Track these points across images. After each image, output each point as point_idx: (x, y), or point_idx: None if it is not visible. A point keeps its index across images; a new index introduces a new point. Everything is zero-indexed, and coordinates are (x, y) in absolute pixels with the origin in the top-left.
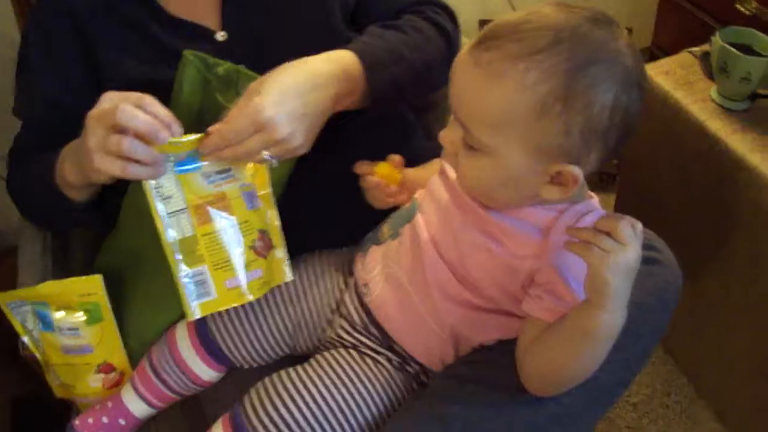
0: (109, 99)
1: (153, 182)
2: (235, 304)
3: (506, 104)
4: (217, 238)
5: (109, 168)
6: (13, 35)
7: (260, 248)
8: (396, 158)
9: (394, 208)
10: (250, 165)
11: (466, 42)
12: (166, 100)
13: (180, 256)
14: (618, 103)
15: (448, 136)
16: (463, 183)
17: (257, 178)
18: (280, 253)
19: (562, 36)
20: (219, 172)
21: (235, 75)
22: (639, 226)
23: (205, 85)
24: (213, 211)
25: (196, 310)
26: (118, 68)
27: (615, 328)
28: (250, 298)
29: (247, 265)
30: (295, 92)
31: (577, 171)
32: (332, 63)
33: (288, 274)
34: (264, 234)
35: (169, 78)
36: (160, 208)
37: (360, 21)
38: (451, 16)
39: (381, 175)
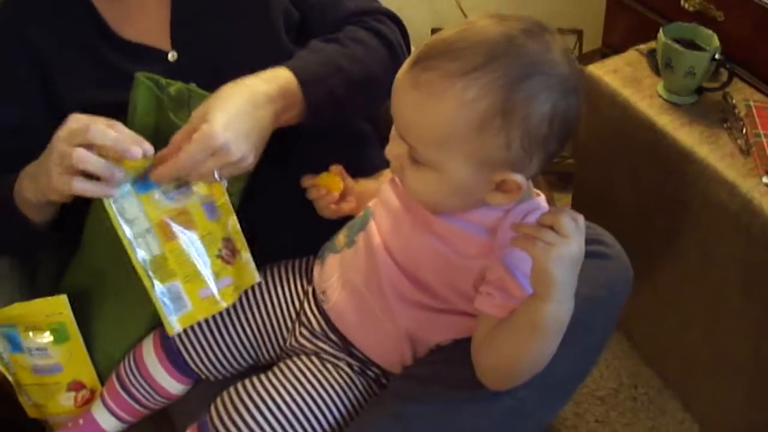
0: (77, 120)
1: (115, 206)
2: (212, 313)
3: (447, 122)
4: (185, 252)
5: (66, 185)
6: None
7: (226, 256)
8: (335, 167)
9: (350, 217)
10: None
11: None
12: (122, 122)
13: (152, 274)
14: (556, 111)
15: (393, 150)
16: (410, 195)
17: (213, 189)
18: (245, 256)
19: (497, 52)
20: (177, 188)
21: (186, 94)
22: (581, 219)
23: (158, 105)
24: (176, 227)
25: (175, 324)
26: (75, 93)
27: (562, 319)
28: (224, 305)
29: (216, 274)
30: (240, 114)
31: (519, 179)
32: (269, 83)
33: (256, 276)
34: (228, 241)
35: (124, 100)
36: (126, 232)
37: (305, 35)
38: (398, 24)
39: (323, 185)
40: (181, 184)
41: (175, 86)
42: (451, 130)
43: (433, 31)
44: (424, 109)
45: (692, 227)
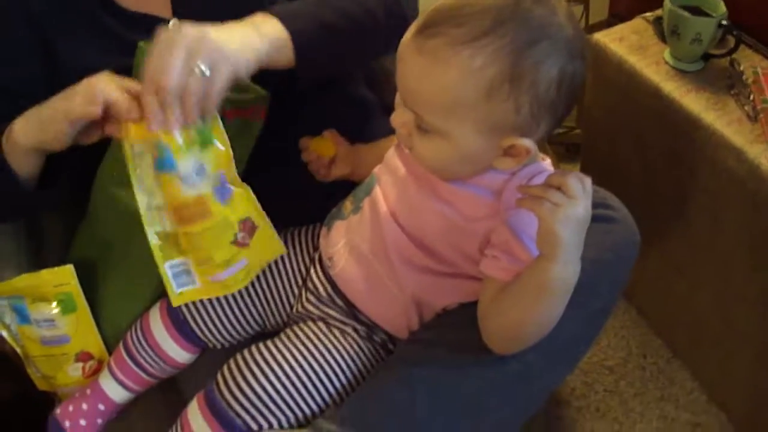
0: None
1: (135, 174)
2: (219, 294)
3: (454, 90)
4: (198, 239)
5: (93, 104)
6: None
7: (242, 239)
8: (330, 132)
9: (354, 184)
10: (214, 150)
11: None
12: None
13: (163, 246)
14: (563, 76)
15: (399, 118)
16: (421, 162)
17: (222, 162)
18: (268, 230)
19: (503, 17)
20: (196, 172)
21: None
22: (587, 180)
23: None
24: (192, 216)
25: (179, 298)
26: (75, 59)
27: (569, 281)
28: (233, 290)
29: (228, 261)
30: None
31: (528, 143)
32: (246, 23)
33: (281, 247)
34: (246, 221)
35: (126, 68)
36: (141, 199)
37: None
38: None
39: (314, 149)
40: (198, 166)
41: None
42: (458, 97)
43: None
44: (430, 77)
45: (699, 194)
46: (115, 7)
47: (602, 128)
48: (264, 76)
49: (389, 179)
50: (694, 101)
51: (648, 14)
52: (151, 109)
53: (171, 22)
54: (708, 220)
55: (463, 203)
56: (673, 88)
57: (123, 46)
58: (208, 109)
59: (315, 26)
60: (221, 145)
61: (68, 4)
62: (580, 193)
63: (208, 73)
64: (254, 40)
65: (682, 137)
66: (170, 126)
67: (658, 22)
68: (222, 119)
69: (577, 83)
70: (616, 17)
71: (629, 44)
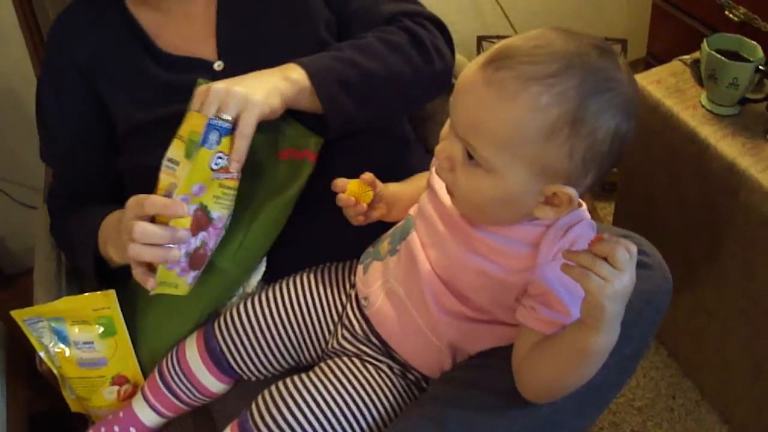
0: (134, 198)
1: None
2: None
3: (516, 125)
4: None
5: (138, 256)
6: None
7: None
8: (367, 176)
9: (393, 223)
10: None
11: (462, 59)
12: (170, 135)
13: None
14: (618, 131)
15: (446, 150)
16: (458, 199)
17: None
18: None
19: (573, 63)
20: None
21: None
22: (634, 249)
23: None
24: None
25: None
26: (123, 110)
27: (609, 347)
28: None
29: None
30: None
31: (573, 192)
32: (275, 72)
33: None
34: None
35: (171, 113)
36: None
37: (345, 38)
38: (439, 28)
39: (351, 193)
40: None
41: None
42: (518, 133)
43: (480, 38)
44: (494, 108)
45: (733, 238)
46: (159, 53)
47: (638, 169)
48: (315, 116)
49: (425, 227)
50: (729, 146)
51: (686, 57)
52: None
53: (198, 81)
54: (740, 264)
55: (498, 257)
56: (709, 132)
57: (166, 92)
58: (240, 150)
59: (342, 72)
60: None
61: (112, 56)
62: (627, 264)
63: (230, 121)
64: (280, 85)
65: (717, 181)
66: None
67: (695, 65)
68: (276, 158)
69: (626, 142)
70: (653, 57)
71: (667, 87)
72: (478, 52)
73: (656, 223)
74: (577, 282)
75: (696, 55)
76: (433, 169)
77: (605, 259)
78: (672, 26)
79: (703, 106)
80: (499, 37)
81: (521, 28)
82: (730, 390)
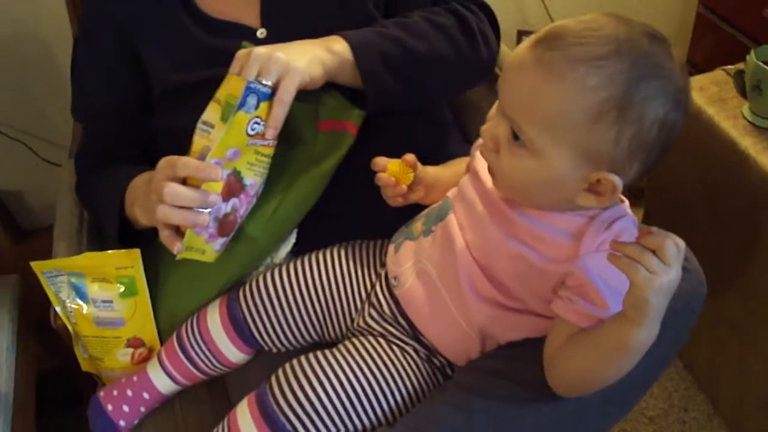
0: (165, 160)
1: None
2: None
3: (564, 105)
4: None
5: (167, 218)
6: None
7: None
8: (409, 158)
9: (428, 205)
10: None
11: (506, 48)
12: (208, 99)
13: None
14: (666, 120)
15: (492, 131)
16: (500, 180)
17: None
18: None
19: (623, 47)
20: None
21: None
22: (682, 245)
23: None
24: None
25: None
26: (160, 68)
27: (649, 342)
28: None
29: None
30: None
31: (617, 180)
32: (319, 43)
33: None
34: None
35: (210, 77)
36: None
37: (391, 16)
38: (488, 14)
39: (392, 173)
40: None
41: None
42: (565, 113)
43: (519, 32)
44: (542, 87)
45: (765, 252)
46: (202, 15)
47: (673, 175)
48: (358, 91)
49: (464, 209)
50: None
51: (729, 66)
52: None
53: (243, 44)
54: None
55: (539, 244)
56: (749, 143)
57: (206, 55)
58: (277, 117)
59: (385, 48)
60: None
61: (155, 14)
62: (675, 259)
63: (270, 86)
64: (323, 56)
65: (754, 194)
66: None
67: (739, 75)
68: (316, 128)
69: (674, 134)
70: (692, 65)
71: (709, 95)
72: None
73: (687, 230)
74: (624, 273)
75: (740, 65)
76: (475, 153)
77: (653, 252)
78: (714, 35)
79: (744, 117)
80: None
81: None
82: (745, 407)
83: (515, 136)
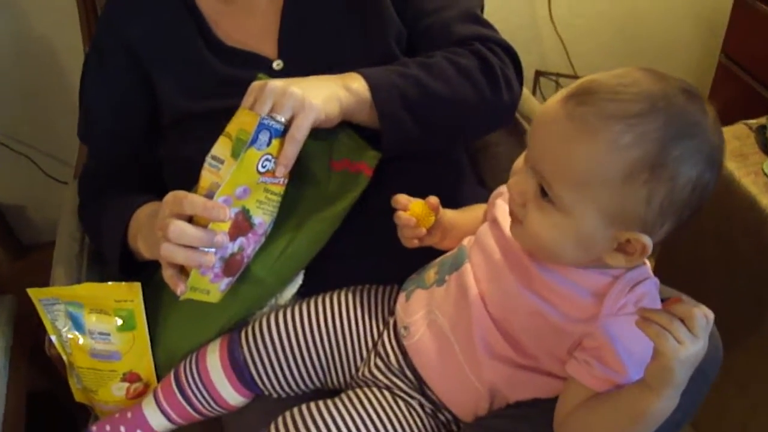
0: (172, 194)
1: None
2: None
3: (595, 163)
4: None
5: (171, 256)
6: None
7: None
8: (433, 201)
9: (441, 252)
10: None
11: (526, 92)
12: (219, 129)
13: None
14: (701, 179)
15: (519, 185)
16: (524, 236)
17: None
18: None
19: (658, 105)
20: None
21: None
22: (711, 316)
23: None
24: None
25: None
26: (172, 99)
27: (666, 414)
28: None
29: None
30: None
31: (648, 241)
32: (336, 79)
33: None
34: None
35: (222, 107)
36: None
37: (412, 53)
38: (511, 57)
39: (413, 214)
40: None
41: None
42: (596, 171)
43: (537, 73)
44: (574, 144)
45: None
46: (219, 44)
47: (686, 232)
48: (374, 131)
49: (482, 259)
50: None
51: (751, 121)
52: None
53: (258, 75)
54: None
55: (560, 301)
56: None
57: (222, 84)
58: (289, 155)
59: (405, 90)
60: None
61: (171, 42)
62: (703, 331)
63: (283, 123)
64: (340, 93)
65: None
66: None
67: (761, 130)
68: (329, 167)
69: (707, 194)
70: None
71: (730, 149)
72: (535, 87)
73: (699, 287)
74: (652, 340)
75: (762, 120)
76: (495, 201)
77: (681, 321)
78: (735, 87)
79: (765, 175)
80: (558, 74)
81: (580, 66)
82: None
83: (543, 192)
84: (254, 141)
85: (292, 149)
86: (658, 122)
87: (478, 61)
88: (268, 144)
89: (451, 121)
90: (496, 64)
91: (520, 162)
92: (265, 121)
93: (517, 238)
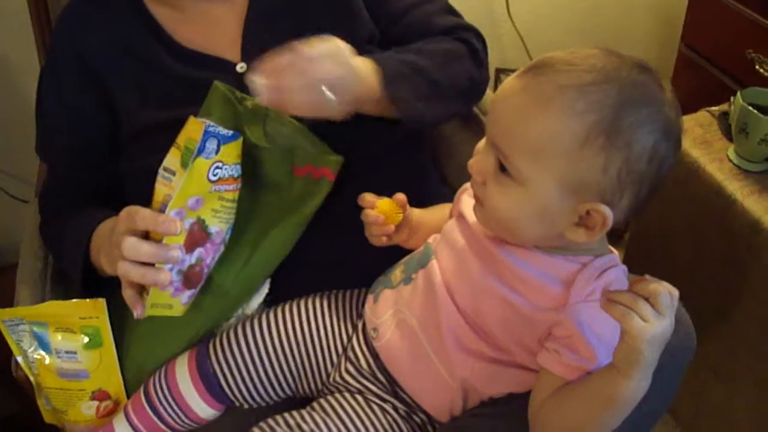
0: (126, 210)
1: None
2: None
3: (550, 130)
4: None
5: (127, 274)
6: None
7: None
8: (400, 197)
9: (407, 251)
10: None
11: (489, 94)
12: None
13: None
14: (657, 149)
15: (479, 163)
16: (487, 214)
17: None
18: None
19: (611, 75)
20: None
21: (264, 110)
22: (676, 294)
23: (234, 116)
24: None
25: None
26: (133, 110)
27: (639, 395)
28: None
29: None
30: None
31: (607, 211)
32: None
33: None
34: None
35: (182, 116)
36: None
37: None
38: (481, 39)
39: (381, 211)
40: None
41: (252, 101)
42: (552, 140)
43: (498, 71)
44: (529, 113)
45: (750, 298)
46: (180, 49)
47: (655, 217)
48: (335, 134)
49: (449, 253)
50: (756, 203)
51: (714, 108)
52: None
53: (215, 84)
54: (756, 325)
55: (528, 289)
56: (736, 188)
57: (184, 88)
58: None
59: (405, 62)
60: None
61: (129, 51)
62: (669, 308)
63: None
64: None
65: (739, 239)
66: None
67: (723, 117)
68: (292, 173)
69: (664, 168)
70: None
71: (693, 137)
72: (496, 85)
73: (669, 274)
74: (617, 321)
75: (724, 107)
76: (460, 197)
77: (646, 300)
78: (696, 76)
79: (730, 160)
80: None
81: None
82: None
83: (502, 168)
84: (202, 150)
85: None
86: (612, 90)
87: (464, 47)
88: (217, 151)
89: (450, 102)
90: (478, 48)
91: (481, 143)
92: (211, 129)
93: (480, 220)
